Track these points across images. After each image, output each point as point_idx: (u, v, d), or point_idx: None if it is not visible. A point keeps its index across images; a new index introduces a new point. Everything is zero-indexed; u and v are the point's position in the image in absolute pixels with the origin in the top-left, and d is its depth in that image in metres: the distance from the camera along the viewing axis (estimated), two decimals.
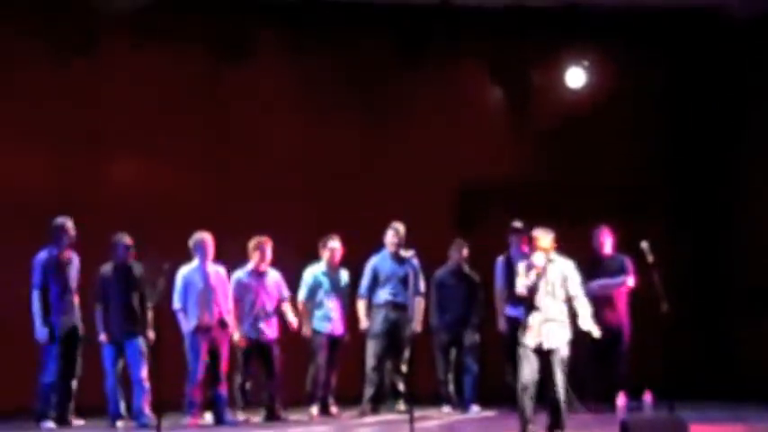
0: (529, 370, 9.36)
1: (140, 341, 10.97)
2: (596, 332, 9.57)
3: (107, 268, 11.16)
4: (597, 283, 11.85)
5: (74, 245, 11.18)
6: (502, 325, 11.97)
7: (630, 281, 12.00)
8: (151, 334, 11.08)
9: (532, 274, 9.46)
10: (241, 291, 11.51)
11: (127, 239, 11.14)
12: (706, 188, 14.30)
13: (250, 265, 11.64)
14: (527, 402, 9.36)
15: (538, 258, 9.49)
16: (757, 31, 13.39)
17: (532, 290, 9.44)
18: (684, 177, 14.42)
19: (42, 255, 11.05)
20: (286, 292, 11.78)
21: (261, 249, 11.60)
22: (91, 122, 12.92)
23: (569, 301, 9.53)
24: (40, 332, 10.93)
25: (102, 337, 11.01)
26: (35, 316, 10.95)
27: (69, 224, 11.11)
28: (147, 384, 10.87)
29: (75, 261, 11.22)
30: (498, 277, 12.12)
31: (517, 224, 12.09)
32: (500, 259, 12.16)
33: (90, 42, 12.68)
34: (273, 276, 11.74)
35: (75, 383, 11.12)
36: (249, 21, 13.24)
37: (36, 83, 12.67)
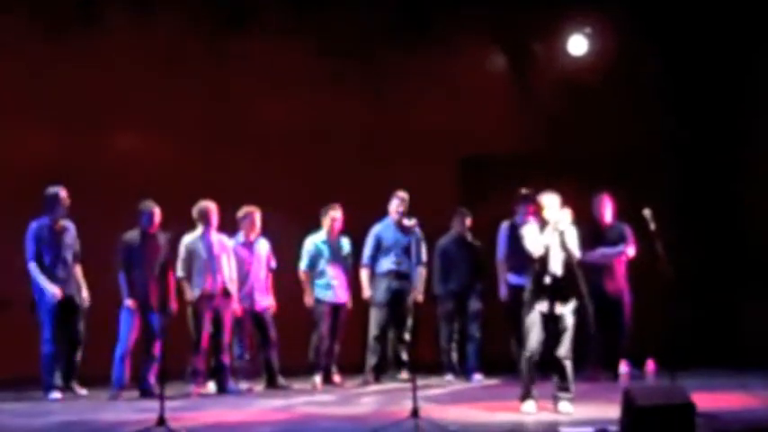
0: (537, 337, 9.34)
1: (163, 316, 10.80)
2: (577, 253, 9.50)
3: (133, 235, 11.04)
4: (598, 252, 11.85)
5: (68, 214, 11.12)
6: (503, 293, 11.96)
7: (631, 250, 11.99)
8: (174, 304, 11.04)
9: (549, 231, 9.40)
10: (235, 261, 11.52)
11: (153, 207, 11.05)
12: (710, 156, 14.27)
13: (241, 236, 11.67)
14: (532, 369, 9.36)
15: (554, 215, 9.42)
16: None
17: (546, 250, 9.39)
18: (689, 145, 14.39)
19: (34, 225, 11.00)
20: (273, 263, 11.81)
21: (250, 219, 11.64)
22: (91, 95, 12.89)
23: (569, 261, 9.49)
24: (49, 297, 10.89)
25: (129, 302, 10.90)
26: (40, 284, 10.92)
27: (63, 193, 11.04)
28: (157, 357, 10.85)
29: (71, 230, 11.16)
30: (501, 244, 11.99)
31: (525, 191, 12.03)
32: (504, 226, 11.99)
33: (89, 14, 12.64)
34: (263, 246, 11.78)
35: (79, 354, 11.15)
36: None
37: (35, 56, 12.62)
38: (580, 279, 9.42)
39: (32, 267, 10.96)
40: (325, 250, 11.95)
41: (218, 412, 9.87)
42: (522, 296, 9.64)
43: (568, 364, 9.39)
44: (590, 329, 9.91)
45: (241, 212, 11.68)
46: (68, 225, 11.17)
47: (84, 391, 11.16)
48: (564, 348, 9.38)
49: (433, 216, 12.07)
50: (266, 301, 11.69)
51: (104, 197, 12.24)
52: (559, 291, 9.39)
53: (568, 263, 9.42)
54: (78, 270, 11.25)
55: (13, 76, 12.58)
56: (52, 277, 10.97)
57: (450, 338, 12.24)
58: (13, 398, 10.99)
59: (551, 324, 9.36)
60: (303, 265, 11.94)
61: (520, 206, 11.83)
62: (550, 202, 9.48)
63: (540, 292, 9.38)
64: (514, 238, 11.09)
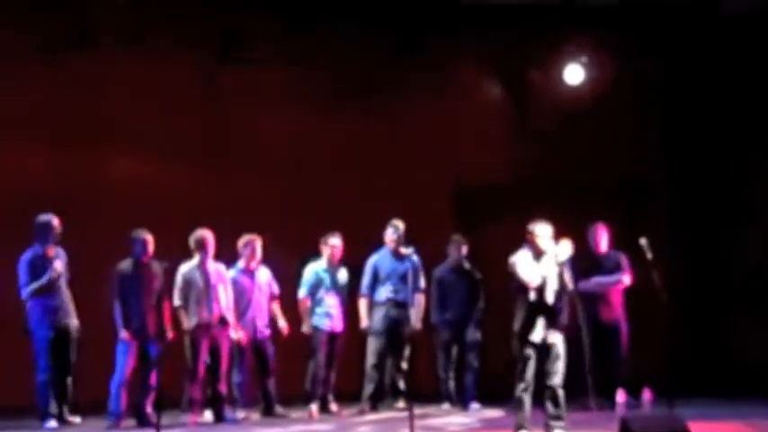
0: (533, 368, 9.34)
1: (158, 346, 10.79)
2: (570, 284, 9.49)
3: (126, 265, 11.04)
4: (593, 281, 11.86)
5: (59, 241, 11.11)
6: None
7: (627, 278, 11.99)
8: (170, 333, 11.02)
9: (546, 261, 9.40)
10: (235, 290, 11.52)
11: (145, 235, 11.04)
12: (706, 182, 14.29)
13: (241, 264, 11.67)
14: (527, 399, 9.35)
15: (551, 245, 9.43)
16: (754, 24, 13.38)
17: (544, 282, 9.39)
18: (685, 172, 14.43)
19: (28, 254, 11.02)
20: (276, 290, 11.81)
21: (251, 247, 11.63)
22: (89, 119, 12.90)
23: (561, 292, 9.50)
24: (45, 329, 10.92)
25: (123, 334, 10.87)
26: (33, 313, 10.94)
27: (54, 221, 11.05)
28: (154, 386, 10.83)
29: (61, 257, 11.15)
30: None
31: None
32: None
33: (85, 38, 12.66)
34: (265, 274, 11.78)
35: (69, 381, 11.11)
36: (247, 15, 13.23)
37: (34, 79, 12.63)
38: (577, 309, 9.44)
39: (26, 295, 10.97)
40: (326, 279, 11.95)
41: None
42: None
43: (561, 393, 9.39)
44: (585, 359, 9.90)
45: (242, 241, 11.68)
46: (59, 252, 11.16)
47: (77, 419, 11.12)
48: (557, 377, 9.37)
49: (430, 244, 12.08)
50: (268, 331, 11.66)
51: (100, 223, 12.24)
52: (552, 320, 9.40)
53: (560, 292, 9.43)
54: (67, 296, 11.23)
55: (8, 98, 12.56)
56: (47, 306, 10.97)
57: (447, 367, 12.21)
58: (9, 426, 10.96)
59: (543, 353, 9.37)
60: (303, 292, 11.93)
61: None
62: (543, 231, 9.51)
63: (535, 322, 9.38)
64: None
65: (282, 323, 11.68)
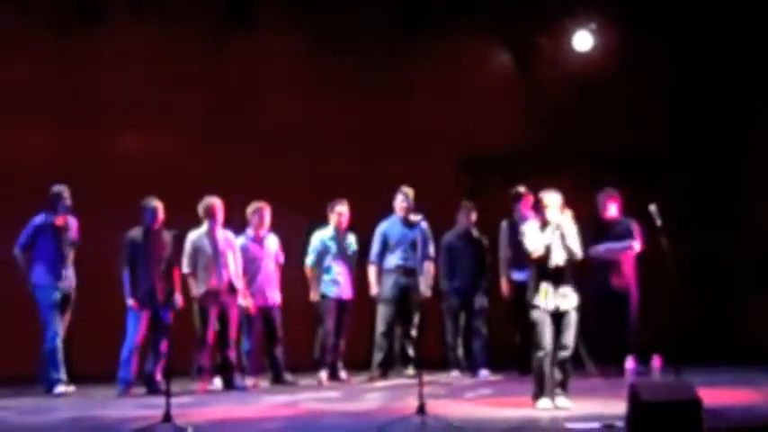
0: (549, 334, 9.30)
1: (169, 313, 10.77)
2: (579, 253, 9.49)
3: (136, 233, 11.05)
4: (603, 247, 11.85)
5: (70, 212, 11.16)
6: (506, 289, 12.00)
7: (637, 245, 11.97)
8: (179, 299, 11.02)
9: (550, 231, 9.40)
10: (245, 257, 11.53)
11: (155, 203, 11.06)
12: (716, 152, 14.26)
13: (250, 231, 11.68)
14: (548, 368, 9.30)
15: (556, 215, 9.42)
16: None
17: (547, 249, 9.38)
18: (694, 142, 14.38)
19: (36, 220, 11.07)
20: (282, 259, 11.83)
21: (259, 214, 11.65)
22: (93, 93, 12.92)
23: (571, 259, 9.48)
24: (30, 287, 11.00)
25: (131, 302, 10.90)
26: (39, 280, 11.01)
27: (66, 192, 11.11)
28: (164, 353, 10.85)
29: (72, 227, 11.21)
30: (503, 242, 12.13)
31: (520, 189, 12.06)
32: (503, 225, 12.17)
33: (90, 13, 12.65)
34: (273, 241, 11.79)
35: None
36: None
37: (37, 56, 12.65)
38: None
39: (17, 254, 11.03)
40: (332, 246, 11.95)
41: (224, 408, 9.88)
42: (524, 292, 9.62)
43: (569, 361, 9.39)
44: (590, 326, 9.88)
45: (250, 208, 11.68)
46: (71, 221, 11.20)
47: (71, 388, 11.12)
48: (566, 351, 9.36)
49: (435, 212, 12.06)
50: (276, 297, 11.69)
51: (108, 195, 12.25)
52: (562, 288, 9.38)
53: (569, 260, 9.41)
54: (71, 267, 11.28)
55: (14, 74, 12.57)
56: (55, 273, 11.01)
57: (456, 334, 12.23)
58: (15, 394, 11.01)
59: (556, 320, 9.35)
60: (309, 260, 11.94)
61: (515, 204, 11.95)
62: (552, 201, 9.45)
63: (541, 289, 9.37)
64: (515, 236, 11.13)
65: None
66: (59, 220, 11.10)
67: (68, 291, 11.15)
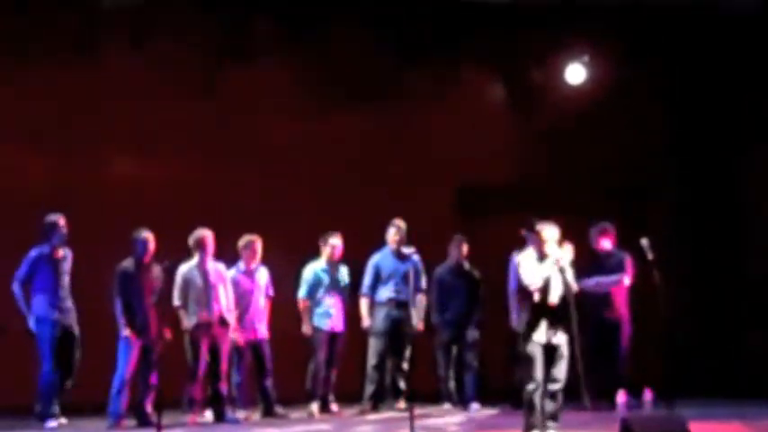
0: (541, 368, 9.31)
1: (159, 345, 10.76)
2: (575, 287, 9.47)
3: (128, 264, 11.04)
4: (593, 281, 11.81)
5: (66, 241, 11.13)
6: (515, 321, 11.93)
7: (626, 279, 11.94)
8: (168, 333, 11.01)
9: (548, 265, 9.38)
10: (236, 291, 11.51)
11: (146, 235, 11.04)
12: (708, 183, 14.28)
13: (242, 265, 11.66)
14: (539, 401, 9.29)
15: (555, 250, 9.40)
16: (756, 24, 13.37)
17: (546, 283, 9.36)
18: (687, 172, 14.41)
19: (33, 253, 11.03)
20: (272, 292, 11.83)
21: (251, 248, 11.63)
22: (88, 120, 12.88)
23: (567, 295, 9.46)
24: (31, 322, 10.95)
25: (126, 332, 10.85)
26: (21, 308, 10.96)
27: (61, 221, 11.07)
28: (154, 385, 10.81)
29: (69, 258, 11.18)
30: (512, 275, 12.02)
31: (533, 227, 11.98)
32: (515, 258, 12.06)
33: (87, 40, 12.66)
34: (263, 274, 11.78)
35: (69, 383, 11.09)
36: (249, 15, 13.23)
37: (36, 81, 12.61)
38: (573, 312, 9.40)
39: (16, 289, 10.98)
40: (325, 278, 11.94)
41: None
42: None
43: (560, 394, 9.37)
44: (576, 361, 9.83)
45: (242, 241, 11.67)
46: (67, 252, 11.18)
47: (63, 421, 11.06)
48: (558, 383, 9.35)
49: (432, 244, 12.07)
50: (265, 330, 11.66)
51: (101, 224, 12.22)
52: (557, 321, 9.37)
53: (565, 295, 9.40)
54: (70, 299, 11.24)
55: (9, 101, 12.57)
56: (54, 305, 10.98)
57: (447, 367, 12.20)
58: (7, 427, 10.95)
59: (548, 353, 9.34)
60: (302, 293, 11.92)
61: (532, 236, 11.84)
62: (550, 235, 9.45)
63: (539, 323, 9.35)
64: None
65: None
66: (57, 253, 11.07)
67: (69, 323, 11.08)
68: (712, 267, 14.06)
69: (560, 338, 9.38)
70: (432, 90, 13.99)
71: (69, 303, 11.15)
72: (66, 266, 11.15)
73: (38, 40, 12.53)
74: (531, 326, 9.37)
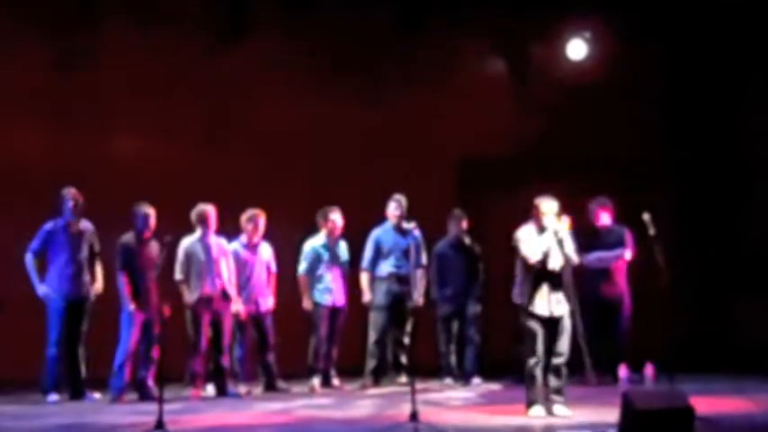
0: (542, 341, 9.31)
1: (160, 319, 10.70)
2: (575, 259, 9.49)
3: (129, 238, 11.05)
4: (594, 256, 11.82)
5: (82, 214, 11.14)
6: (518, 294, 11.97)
7: (628, 254, 11.94)
8: (167, 311, 10.96)
9: (547, 237, 9.39)
10: (237, 264, 11.52)
11: (147, 209, 11.05)
12: (709, 160, 14.28)
13: (244, 238, 11.67)
14: (539, 374, 9.31)
15: (553, 222, 9.41)
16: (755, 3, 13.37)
17: (545, 255, 9.37)
18: (687, 148, 14.41)
19: (47, 225, 11.03)
20: (274, 267, 11.82)
21: (254, 222, 11.64)
22: (91, 99, 12.89)
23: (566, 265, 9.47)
24: (39, 290, 10.94)
25: (132, 306, 10.87)
26: (31, 278, 10.96)
27: (70, 194, 11.05)
28: (156, 359, 10.83)
29: (87, 231, 11.16)
30: None
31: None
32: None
33: (91, 18, 12.66)
34: (266, 249, 11.78)
35: (81, 352, 11.07)
36: None
37: (37, 61, 12.61)
38: (571, 285, 9.41)
39: (28, 259, 10.98)
40: (325, 254, 11.95)
41: (217, 415, 9.87)
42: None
43: (564, 369, 9.39)
44: (579, 335, 9.86)
45: (246, 215, 11.67)
46: (86, 226, 11.18)
47: (96, 395, 11.10)
48: (561, 357, 9.36)
49: (433, 219, 12.09)
50: (268, 304, 11.68)
51: (104, 201, 12.19)
52: (558, 287, 9.38)
53: (565, 267, 9.40)
54: (98, 269, 11.25)
55: (12, 77, 12.55)
56: (63, 277, 10.98)
57: (448, 342, 12.22)
58: (10, 400, 10.98)
59: (550, 327, 9.35)
60: (302, 269, 11.93)
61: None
62: (549, 207, 9.45)
63: (540, 290, 9.35)
64: None
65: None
66: (73, 226, 11.06)
67: (79, 298, 11.05)
68: (713, 242, 14.08)
69: (562, 310, 9.38)
70: (432, 65, 13.98)
71: (85, 277, 11.11)
72: (84, 240, 11.12)
73: (40, 15, 12.52)
74: (532, 296, 9.36)
